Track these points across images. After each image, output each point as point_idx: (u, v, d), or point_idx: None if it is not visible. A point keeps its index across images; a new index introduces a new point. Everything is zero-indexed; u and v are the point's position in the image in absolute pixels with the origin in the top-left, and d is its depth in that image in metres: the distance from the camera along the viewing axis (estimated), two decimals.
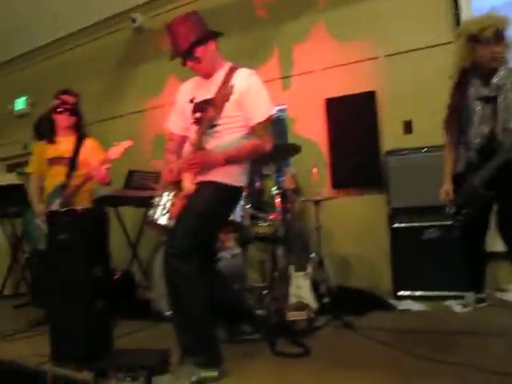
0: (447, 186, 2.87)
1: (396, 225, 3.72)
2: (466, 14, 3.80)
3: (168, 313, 3.35)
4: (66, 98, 3.59)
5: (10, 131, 7.11)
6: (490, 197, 2.65)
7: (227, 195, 2.42)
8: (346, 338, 2.81)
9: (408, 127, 4.03)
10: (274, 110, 2.44)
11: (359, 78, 4.24)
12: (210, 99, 2.39)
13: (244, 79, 2.39)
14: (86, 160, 3.55)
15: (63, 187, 3.45)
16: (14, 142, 6.97)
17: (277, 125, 4.79)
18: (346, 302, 3.37)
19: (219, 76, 2.44)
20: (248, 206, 3.37)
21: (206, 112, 2.35)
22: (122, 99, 5.78)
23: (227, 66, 2.48)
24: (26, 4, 5.87)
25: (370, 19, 4.24)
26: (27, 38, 6.46)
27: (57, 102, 3.59)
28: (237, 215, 3.16)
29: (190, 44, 2.34)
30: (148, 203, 4.16)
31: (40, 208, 3.52)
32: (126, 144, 3.31)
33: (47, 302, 2.68)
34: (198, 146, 2.33)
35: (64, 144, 3.59)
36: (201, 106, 2.43)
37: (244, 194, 3.36)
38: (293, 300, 2.91)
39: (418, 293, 3.58)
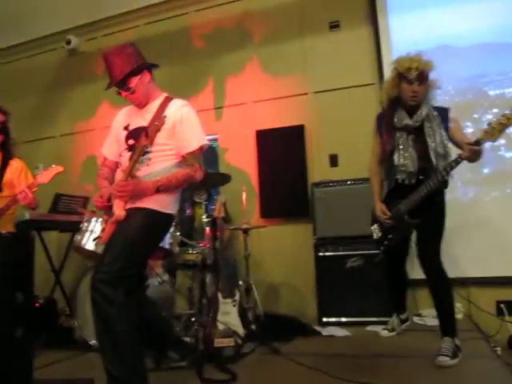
0: (380, 205, 2.98)
1: (321, 253, 3.88)
2: (387, 59, 4.12)
3: (93, 341, 3.26)
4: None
5: None
6: (414, 225, 2.83)
7: (157, 222, 2.43)
8: (272, 362, 2.88)
9: (334, 160, 4.25)
10: (205, 141, 2.50)
11: (289, 112, 4.44)
12: (143, 127, 2.43)
13: (177, 109, 2.45)
14: (11, 181, 3.41)
15: None
16: None
17: (208, 154, 4.88)
18: (272, 329, 3.44)
19: (154, 105, 2.49)
20: (178, 234, 3.39)
21: (139, 139, 2.37)
22: (53, 120, 5.62)
23: (162, 96, 2.54)
24: None
25: (300, 57, 4.49)
26: None
27: None
28: (166, 242, 3.18)
29: (124, 75, 2.39)
30: (74, 228, 4.09)
31: None
32: (57, 169, 3.24)
33: None
34: (130, 174, 2.34)
35: None
36: (134, 134, 2.46)
37: (174, 221, 3.39)
38: (220, 327, 2.93)
39: (342, 319, 3.73)
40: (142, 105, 2.51)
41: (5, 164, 3.44)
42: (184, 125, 2.42)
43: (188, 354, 2.78)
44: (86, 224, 3.44)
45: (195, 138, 2.43)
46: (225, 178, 3.70)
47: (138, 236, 2.30)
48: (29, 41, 5.85)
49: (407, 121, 2.80)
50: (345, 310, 3.72)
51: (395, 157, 2.82)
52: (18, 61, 6.00)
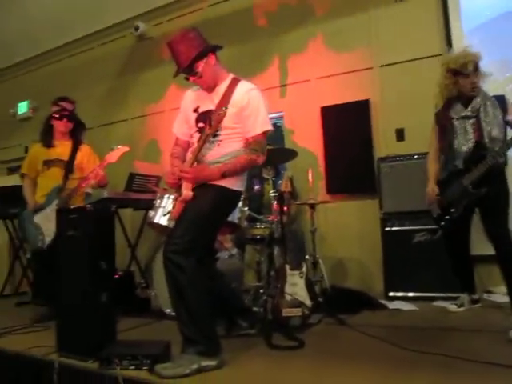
0: (432, 185, 3.14)
1: (388, 228, 3.87)
2: (456, 29, 3.97)
3: (167, 310, 3.47)
4: (64, 104, 3.75)
5: (13, 135, 7.22)
6: (479, 195, 2.84)
7: (226, 198, 2.55)
8: (338, 333, 2.94)
9: (400, 134, 4.18)
10: (269, 127, 2.55)
11: (354, 87, 4.39)
12: (212, 110, 2.52)
13: (245, 93, 2.51)
14: (81, 164, 3.74)
15: (59, 190, 3.59)
16: (16, 145, 7.09)
17: (274, 131, 4.95)
18: (339, 301, 3.49)
19: (222, 87, 2.57)
20: (246, 209, 3.51)
21: (208, 124, 2.47)
22: (125, 104, 5.92)
23: (229, 77, 2.61)
24: (30, 11, 6.02)
25: (365, 30, 4.41)
26: (31, 43, 6.60)
27: (55, 108, 3.75)
28: (235, 217, 3.31)
29: (190, 61, 2.46)
30: (147, 205, 4.32)
31: (32, 207, 3.67)
32: (123, 149, 3.47)
33: (54, 293, 2.78)
34: (196, 159, 2.48)
35: (60, 148, 3.75)
36: (203, 117, 2.56)
37: (243, 196, 3.51)
38: (288, 297, 3.02)
39: (409, 294, 3.72)
40: (210, 88, 2.58)
41: (75, 148, 3.75)
42: (249, 109, 2.49)
43: (256, 322, 2.92)
44: (158, 201, 3.64)
45: (259, 123, 2.50)
46: (291, 154, 3.75)
47: (208, 210, 2.43)
48: (100, 30, 6.16)
49: (465, 112, 2.97)
50: (412, 285, 3.70)
51: (455, 143, 2.96)
52: (91, 50, 6.34)
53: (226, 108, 2.42)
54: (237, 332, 2.84)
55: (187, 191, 2.45)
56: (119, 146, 3.48)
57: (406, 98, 4.15)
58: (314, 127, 4.55)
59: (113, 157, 3.45)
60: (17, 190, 4.94)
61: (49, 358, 2.54)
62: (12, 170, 7.30)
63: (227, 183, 2.50)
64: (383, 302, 3.62)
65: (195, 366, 2.21)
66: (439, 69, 3.10)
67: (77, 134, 3.81)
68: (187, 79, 2.57)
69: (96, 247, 2.55)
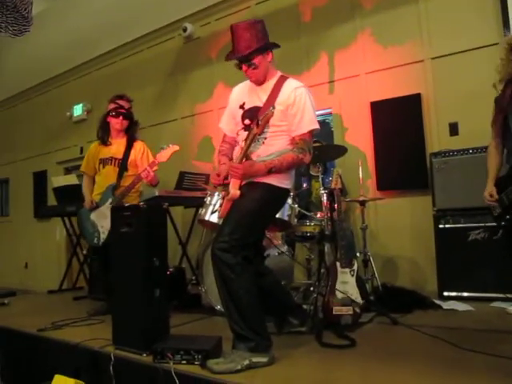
0: (491, 188, 2.88)
1: (441, 226, 3.75)
2: None
3: (218, 306, 3.52)
4: (121, 102, 3.83)
5: (68, 136, 7.55)
6: None
7: (274, 196, 2.56)
8: (391, 332, 2.89)
9: (454, 128, 4.03)
10: (316, 125, 2.54)
11: (405, 81, 4.28)
12: (258, 107, 2.55)
13: (291, 91, 2.51)
14: (135, 161, 3.80)
15: (114, 188, 3.70)
16: (72, 146, 7.40)
17: (323, 128, 4.91)
18: (391, 300, 3.43)
19: (269, 85, 2.58)
20: (296, 206, 3.50)
21: (253, 123, 2.49)
22: (174, 104, 6.04)
23: (277, 75, 2.62)
24: (86, 18, 6.27)
25: (415, 22, 4.28)
26: (85, 49, 6.86)
27: (112, 105, 3.83)
28: (284, 214, 3.31)
29: (252, 51, 2.47)
30: (197, 203, 4.40)
31: (88, 204, 3.78)
32: (173, 149, 3.53)
33: (110, 289, 2.88)
34: (244, 156, 2.49)
35: (116, 146, 3.84)
36: (249, 114, 2.58)
37: (292, 194, 3.51)
38: (339, 295, 2.99)
39: (464, 294, 3.59)
40: (259, 82, 2.59)
41: (130, 146, 3.82)
42: (296, 108, 2.49)
43: (307, 319, 2.90)
44: (209, 198, 3.71)
45: (305, 122, 2.49)
46: (340, 151, 3.72)
47: (256, 208, 2.44)
48: (150, 32, 6.31)
49: None
50: (467, 285, 3.57)
51: None
52: (141, 52, 6.52)
53: (274, 108, 2.43)
54: (287, 329, 2.84)
55: (234, 190, 2.47)
56: (170, 145, 3.55)
57: (460, 90, 4.00)
58: (363, 123, 4.47)
59: (163, 156, 3.52)
60: (74, 188, 5.18)
61: (105, 350, 2.65)
62: (69, 170, 7.64)
63: (274, 181, 2.50)
64: (437, 301, 3.51)
65: (246, 362, 2.23)
66: (495, 58, 2.94)
67: (131, 131, 3.88)
68: (239, 67, 2.56)
69: (149, 244, 2.62)
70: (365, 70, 4.54)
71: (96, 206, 3.73)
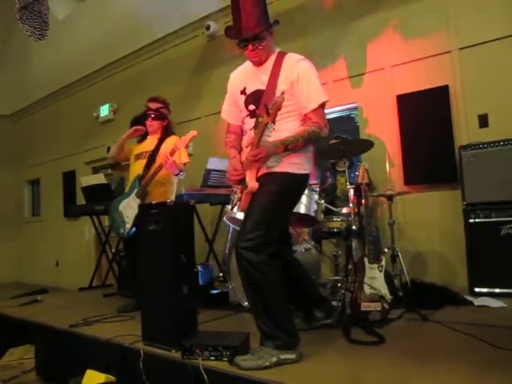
0: None
1: (471, 220, 3.66)
2: None
3: (245, 303, 3.52)
4: (150, 105, 3.89)
5: (96, 137, 7.68)
6: None
7: (294, 185, 2.47)
8: (421, 329, 2.84)
9: (484, 120, 3.93)
10: (325, 97, 2.40)
11: (431, 73, 4.19)
12: (260, 90, 2.43)
13: (293, 67, 2.38)
14: (164, 154, 3.70)
15: (141, 178, 3.72)
16: (99, 146, 7.53)
17: (348, 122, 4.86)
18: (420, 296, 3.37)
19: (268, 64, 2.44)
20: (322, 202, 3.47)
21: (260, 106, 2.37)
22: (198, 102, 6.08)
23: (276, 52, 2.48)
24: (110, 21, 6.39)
25: (441, 12, 4.18)
26: (109, 50, 6.99)
27: (147, 109, 3.89)
28: (311, 210, 3.29)
29: (263, 28, 2.34)
30: (223, 200, 4.41)
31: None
32: (192, 134, 3.50)
33: (138, 286, 2.92)
34: (258, 145, 2.34)
35: (149, 141, 3.91)
36: (253, 98, 2.47)
37: (318, 189, 3.48)
38: (367, 291, 2.96)
39: (495, 290, 3.50)
40: (261, 61, 2.45)
41: (161, 140, 3.85)
42: (301, 84, 2.37)
43: (332, 312, 2.89)
44: (235, 195, 3.71)
45: (314, 96, 2.37)
46: (367, 145, 3.67)
47: (276, 201, 2.36)
48: (172, 32, 6.37)
49: None
50: (499, 281, 3.47)
51: None
52: (165, 52, 6.58)
53: (284, 93, 2.26)
54: (314, 323, 2.82)
55: (252, 182, 2.37)
56: (190, 131, 3.51)
57: (490, 81, 3.90)
58: (389, 117, 4.40)
59: (182, 142, 3.48)
60: (102, 187, 5.27)
61: (135, 346, 2.68)
62: (96, 170, 7.77)
63: (293, 168, 2.41)
64: (469, 298, 3.44)
65: (274, 359, 2.22)
66: None
67: (166, 127, 3.93)
68: (242, 46, 2.41)
69: (176, 241, 2.63)
70: (390, 63, 4.47)
71: (124, 197, 3.79)
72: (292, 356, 2.27)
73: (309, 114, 2.40)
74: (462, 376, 1.99)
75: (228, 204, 3.74)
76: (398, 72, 4.42)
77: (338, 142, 3.63)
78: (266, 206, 2.34)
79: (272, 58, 2.45)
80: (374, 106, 4.56)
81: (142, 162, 3.80)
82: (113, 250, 5.72)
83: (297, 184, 2.50)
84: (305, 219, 3.29)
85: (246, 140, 2.52)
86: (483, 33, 3.95)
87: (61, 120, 8.53)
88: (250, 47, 2.38)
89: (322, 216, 3.45)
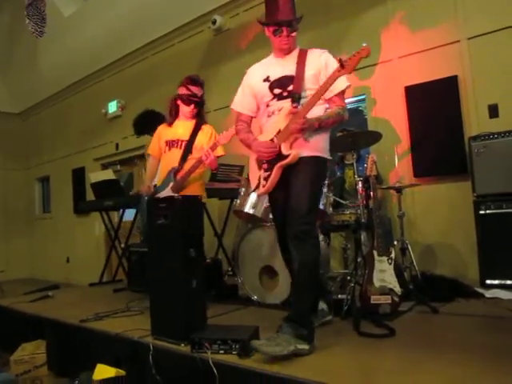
0: None
1: (482, 212, 3.62)
2: None
3: (255, 297, 3.53)
4: (193, 89, 3.66)
5: (104, 133, 7.70)
6: None
7: (325, 168, 2.66)
8: (431, 321, 2.82)
9: (494, 111, 3.88)
10: (348, 83, 2.53)
11: (440, 64, 4.13)
12: (287, 76, 2.54)
13: (319, 56, 2.57)
14: (201, 145, 3.60)
15: (176, 171, 3.54)
16: (107, 142, 7.56)
17: (356, 116, 4.82)
18: (430, 289, 3.36)
19: (292, 56, 2.60)
20: (331, 195, 3.45)
21: (287, 87, 2.52)
22: (207, 96, 6.04)
23: (298, 48, 2.65)
24: (116, 17, 6.40)
25: (449, 2, 4.11)
26: (116, 46, 7.00)
27: (184, 91, 3.66)
28: (320, 203, 3.27)
29: (296, 18, 2.53)
30: (232, 195, 4.40)
31: (144, 189, 3.71)
32: (233, 131, 3.39)
33: (148, 280, 2.93)
34: (305, 116, 2.41)
35: (182, 128, 3.68)
36: (279, 83, 2.56)
37: (327, 182, 3.47)
38: (377, 284, 2.94)
39: (507, 282, 3.45)
40: (289, 50, 2.60)
41: (197, 129, 3.67)
42: (328, 69, 2.49)
43: (334, 304, 2.94)
44: (244, 189, 3.71)
45: (340, 80, 2.45)
46: (375, 137, 3.63)
47: (318, 185, 2.61)
48: (179, 27, 6.36)
49: None
50: (511, 272, 3.42)
51: None
52: (171, 47, 6.58)
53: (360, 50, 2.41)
54: (318, 321, 2.74)
55: (292, 151, 2.42)
56: (229, 128, 3.36)
57: (499, 70, 3.83)
58: (398, 108, 4.36)
59: (224, 137, 3.39)
60: (111, 183, 5.29)
61: (144, 340, 2.71)
62: (105, 166, 7.81)
63: (325, 153, 2.57)
64: (479, 290, 3.41)
65: (292, 348, 2.22)
66: None
67: (200, 114, 3.75)
68: (277, 32, 2.52)
69: (185, 235, 2.64)
70: (398, 55, 4.42)
71: (154, 192, 3.61)
72: (307, 347, 2.29)
73: (333, 98, 2.54)
74: (473, 368, 1.97)
75: (237, 198, 3.74)
76: (406, 63, 4.37)
77: (345, 135, 3.59)
78: (313, 191, 2.48)
79: (296, 52, 2.62)
80: (382, 98, 4.51)
81: (177, 152, 3.61)
82: (122, 246, 5.75)
83: (326, 168, 2.68)
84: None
85: (269, 122, 2.60)
86: (492, 22, 3.88)
87: (69, 117, 8.57)
88: (285, 32, 2.52)
89: (331, 209, 3.43)
